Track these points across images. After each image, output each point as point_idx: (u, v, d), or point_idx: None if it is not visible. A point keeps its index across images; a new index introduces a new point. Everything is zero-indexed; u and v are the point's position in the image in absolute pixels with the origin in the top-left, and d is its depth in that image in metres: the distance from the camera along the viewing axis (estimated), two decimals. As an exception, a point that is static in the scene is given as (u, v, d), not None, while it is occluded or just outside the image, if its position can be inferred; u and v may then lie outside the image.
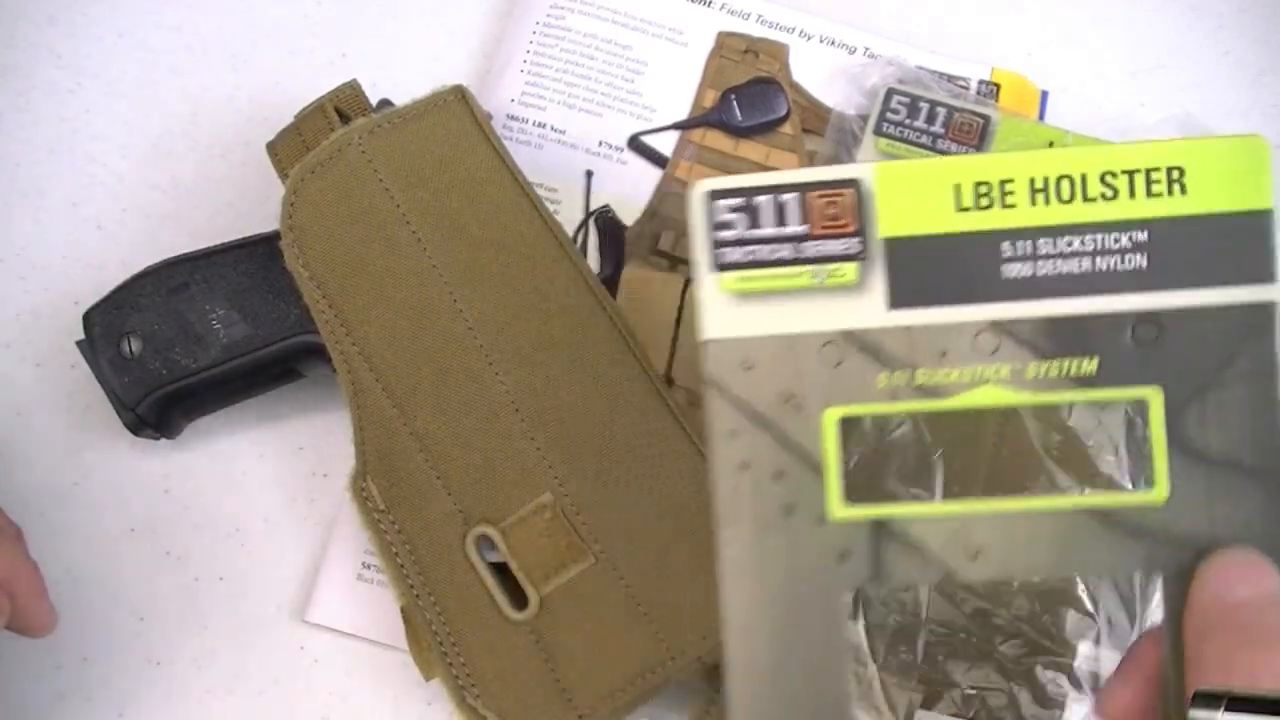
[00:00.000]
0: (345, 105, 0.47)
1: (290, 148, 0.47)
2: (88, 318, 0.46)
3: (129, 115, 0.54)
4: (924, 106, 0.51)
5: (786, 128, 0.52)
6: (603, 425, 0.43)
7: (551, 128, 0.53)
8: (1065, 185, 0.35)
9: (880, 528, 0.36)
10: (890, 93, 0.51)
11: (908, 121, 0.51)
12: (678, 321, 0.50)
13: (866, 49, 0.54)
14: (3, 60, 0.55)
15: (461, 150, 0.46)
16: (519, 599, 0.42)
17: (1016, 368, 0.35)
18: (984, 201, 0.35)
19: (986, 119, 0.50)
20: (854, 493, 0.37)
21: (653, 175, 0.52)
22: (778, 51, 0.54)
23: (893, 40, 0.54)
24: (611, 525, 0.43)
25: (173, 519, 0.49)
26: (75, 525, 0.49)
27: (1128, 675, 0.34)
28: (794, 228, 0.36)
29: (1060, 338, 0.35)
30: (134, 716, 0.47)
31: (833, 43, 0.54)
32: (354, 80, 0.48)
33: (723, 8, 0.54)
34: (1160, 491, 0.34)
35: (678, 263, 0.51)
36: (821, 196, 0.36)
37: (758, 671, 0.36)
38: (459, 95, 0.47)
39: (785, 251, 0.36)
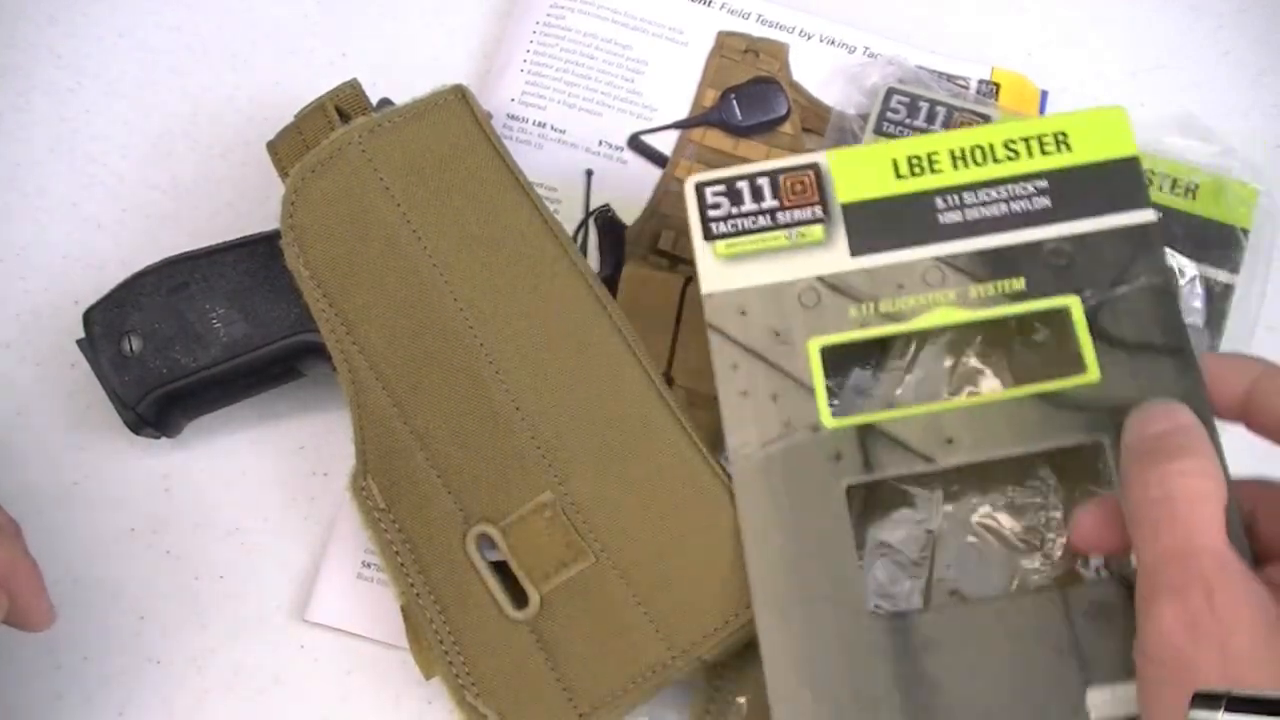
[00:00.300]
0: (345, 105, 0.47)
1: (290, 147, 0.47)
2: (88, 316, 0.46)
3: (129, 115, 0.54)
4: (924, 106, 0.51)
5: (786, 127, 0.52)
6: (603, 424, 0.43)
7: (551, 127, 0.53)
8: (978, 153, 0.44)
9: (867, 430, 0.42)
10: (890, 92, 0.51)
11: (908, 121, 0.51)
12: (678, 321, 0.50)
13: (866, 49, 0.54)
14: (3, 60, 0.55)
15: (461, 150, 0.46)
16: (519, 598, 0.42)
17: (961, 290, 0.43)
18: (917, 170, 0.44)
19: (986, 119, 0.50)
20: (841, 406, 0.44)
21: (653, 175, 0.52)
22: (778, 51, 0.54)
23: (893, 40, 0.54)
24: (611, 524, 0.43)
25: (173, 518, 0.49)
26: (75, 525, 0.49)
27: (1094, 505, 0.39)
28: (769, 202, 0.44)
29: (992, 265, 0.43)
30: (134, 716, 0.47)
31: (833, 42, 0.54)
32: (354, 80, 0.48)
33: (723, 7, 0.54)
34: (1092, 373, 0.41)
35: (678, 262, 0.51)
36: (789, 179, 0.44)
37: (773, 559, 0.41)
38: (459, 95, 0.47)
39: (764, 221, 0.44)
